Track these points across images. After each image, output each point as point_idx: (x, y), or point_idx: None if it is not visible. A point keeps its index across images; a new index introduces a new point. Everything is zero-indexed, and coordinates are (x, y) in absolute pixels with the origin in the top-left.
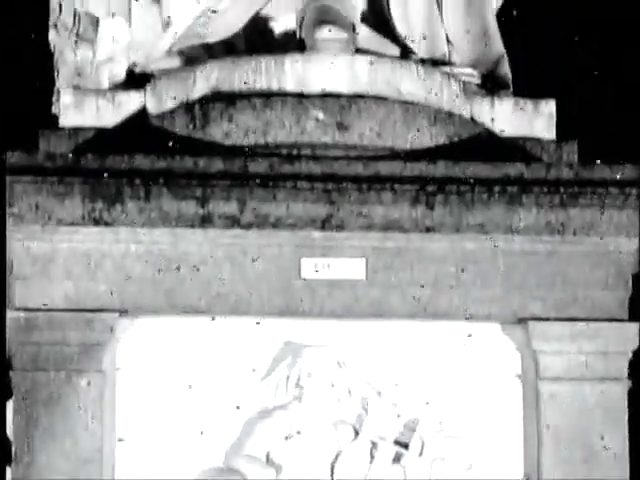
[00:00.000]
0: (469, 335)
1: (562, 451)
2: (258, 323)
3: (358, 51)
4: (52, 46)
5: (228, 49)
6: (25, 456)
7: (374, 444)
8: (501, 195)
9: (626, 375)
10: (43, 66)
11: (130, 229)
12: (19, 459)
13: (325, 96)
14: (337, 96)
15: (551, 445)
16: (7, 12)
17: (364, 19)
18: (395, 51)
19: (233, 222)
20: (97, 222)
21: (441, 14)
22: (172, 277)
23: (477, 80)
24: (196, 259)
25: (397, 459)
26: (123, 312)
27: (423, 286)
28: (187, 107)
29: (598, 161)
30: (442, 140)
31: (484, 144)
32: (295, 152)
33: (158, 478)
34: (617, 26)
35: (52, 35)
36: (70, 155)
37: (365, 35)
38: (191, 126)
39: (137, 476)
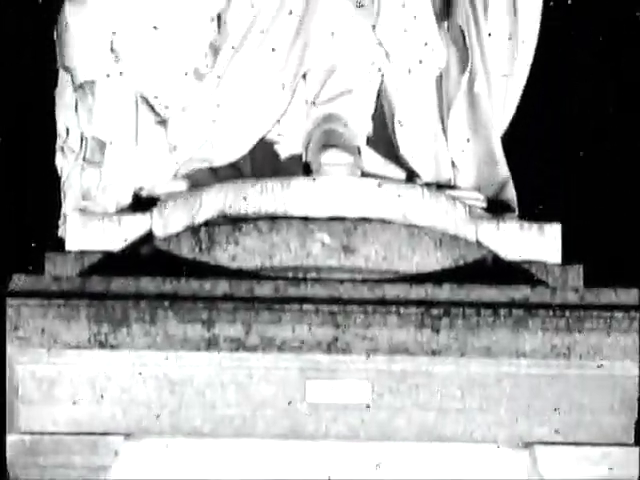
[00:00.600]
0: (474, 458)
1: None
2: None
3: (364, 174)
4: (59, 169)
5: (234, 172)
6: None
7: None
8: (507, 318)
9: None
10: (50, 189)
11: (135, 352)
12: None
13: (331, 219)
14: (342, 219)
15: None
16: (14, 140)
17: (370, 142)
18: (401, 174)
19: (238, 345)
20: (102, 345)
21: (446, 138)
22: (177, 400)
23: (482, 204)
24: (201, 382)
25: None
26: (128, 435)
27: (429, 409)
28: (193, 230)
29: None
30: (448, 263)
31: (489, 267)
32: (300, 275)
33: None
34: (622, 150)
35: (59, 159)
36: (76, 278)
37: (371, 158)
38: (197, 249)
39: None
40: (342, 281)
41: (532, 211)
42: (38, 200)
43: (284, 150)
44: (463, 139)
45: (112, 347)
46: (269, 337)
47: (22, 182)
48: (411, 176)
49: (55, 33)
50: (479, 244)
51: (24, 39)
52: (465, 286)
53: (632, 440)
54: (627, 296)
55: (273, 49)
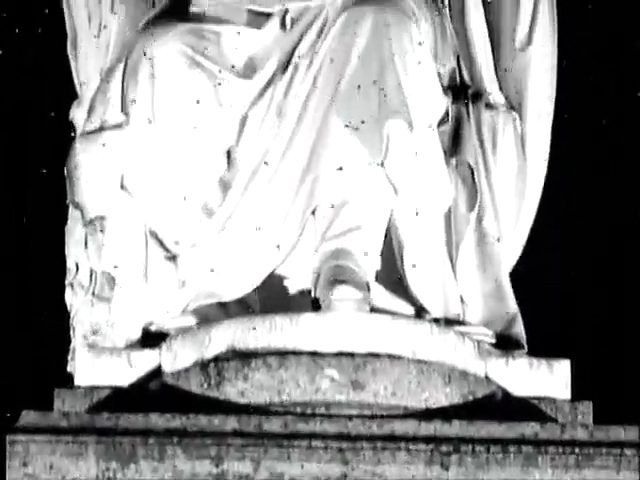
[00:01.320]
0: None
1: None
2: None
3: (373, 310)
4: (68, 305)
5: (243, 306)
6: None
7: None
8: (516, 455)
9: None
10: (59, 325)
11: None
12: None
13: (340, 355)
14: (351, 355)
15: None
16: (24, 276)
17: (378, 278)
18: (410, 310)
19: None
20: None
21: (455, 274)
22: None
23: (491, 339)
24: None
25: None
26: None
27: None
28: (202, 366)
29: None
30: (457, 399)
31: (499, 403)
32: (309, 411)
33: None
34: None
35: (68, 294)
36: (85, 414)
37: (379, 294)
38: (206, 385)
39: None
40: (351, 417)
41: (541, 346)
42: (47, 336)
43: (293, 285)
44: (472, 275)
45: None
46: (278, 473)
47: (32, 318)
48: (420, 311)
49: (65, 170)
50: (488, 380)
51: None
52: (475, 422)
53: None
54: (636, 433)
55: (282, 186)
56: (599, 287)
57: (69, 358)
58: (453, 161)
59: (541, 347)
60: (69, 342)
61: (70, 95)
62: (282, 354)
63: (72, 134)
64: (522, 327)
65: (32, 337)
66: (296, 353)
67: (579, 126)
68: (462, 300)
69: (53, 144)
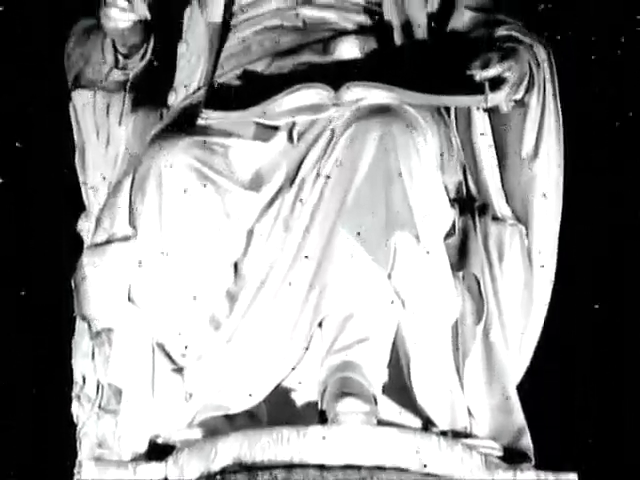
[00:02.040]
0: None
1: None
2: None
3: (380, 423)
4: (75, 417)
5: (250, 418)
6: None
7: None
8: None
9: None
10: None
11: None
12: None
13: (346, 467)
14: (358, 467)
15: None
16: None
17: (385, 390)
18: (417, 423)
19: None
20: None
21: (462, 386)
22: None
23: (499, 452)
24: None
25: None
26: None
27: None
28: (208, 478)
29: None
30: None
31: None
32: None
33: None
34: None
35: (75, 407)
36: None
37: (386, 406)
38: None
39: None
40: None
41: (548, 459)
42: (54, 448)
43: (300, 397)
44: (479, 388)
45: None
46: None
47: (39, 430)
48: (427, 424)
49: (72, 283)
50: None
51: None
52: None
53: None
54: None
55: (289, 299)
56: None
57: (75, 471)
58: (460, 274)
59: (549, 460)
60: (75, 455)
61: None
62: (289, 467)
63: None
64: (529, 440)
65: (39, 448)
66: (303, 466)
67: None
68: (469, 412)
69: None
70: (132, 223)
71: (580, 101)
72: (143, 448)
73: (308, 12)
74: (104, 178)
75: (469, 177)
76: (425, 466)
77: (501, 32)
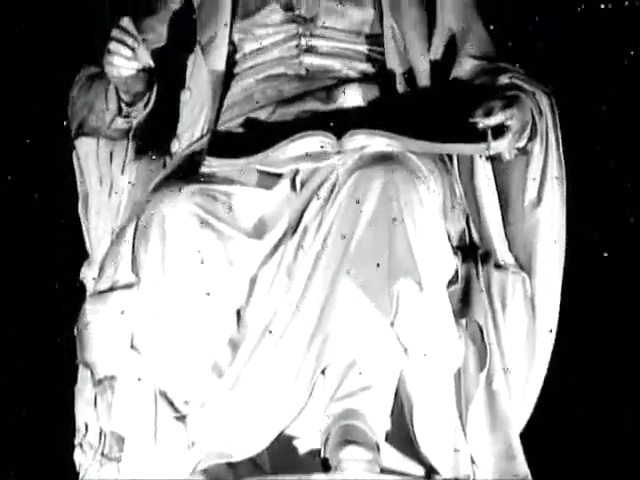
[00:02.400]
0: None
1: None
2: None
3: (382, 471)
4: (77, 465)
5: (253, 466)
6: None
7: None
8: None
9: None
10: None
11: None
12: None
13: None
14: None
15: None
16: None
17: (388, 437)
18: (419, 471)
19: None
20: None
21: (465, 433)
22: None
23: None
24: None
25: None
26: None
27: None
28: None
29: None
30: None
31: None
32: None
33: None
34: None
35: (77, 454)
36: None
37: (389, 454)
38: None
39: None
40: None
41: None
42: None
43: (302, 445)
44: (482, 435)
45: None
46: None
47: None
48: (430, 472)
49: (75, 330)
50: None
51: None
52: None
53: None
54: None
55: (291, 346)
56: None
57: None
58: (463, 321)
59: None
60: None
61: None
62: None
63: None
64: None
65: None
66: None
67: None
68: (472, 460)
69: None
70: (135, 270)
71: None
72: None
73: (311, 60)
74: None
75: (472, 225)
76: None
77: (504, 80)
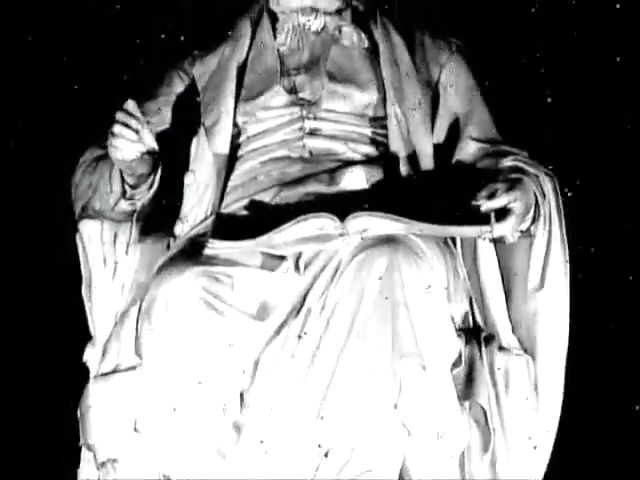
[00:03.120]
0: None
1: None
2: None
3: None
4: None
5: None
6: None
7: None
8: None
9: None
10: None
11: None
12: None
13: None
14: None
15: None
16: None
17: None
18: None
19: None
20: None
21: None
22: None
23: None
24: None
25: None
26: None
27: None
28: None
29: None
30: None
31: None
32: None
33: None
34: None
35: None
36: None
37: None
38: None
39: None
40: None
41: None
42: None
43: None
44: None
45: None
46: None
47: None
48: None
49: (78, 412)
50: None
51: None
52: None
53: None
54: None
55: (294, 428)
56: None
57: None
58: (466, 403)
59: None
60: None
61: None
62: None
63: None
64: None
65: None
66: None
67: None
68: None
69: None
70: (138, 352)
71: None
72: None
73: (315, 143)
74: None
75: (475, 307)
76: None
77: (507, 163)
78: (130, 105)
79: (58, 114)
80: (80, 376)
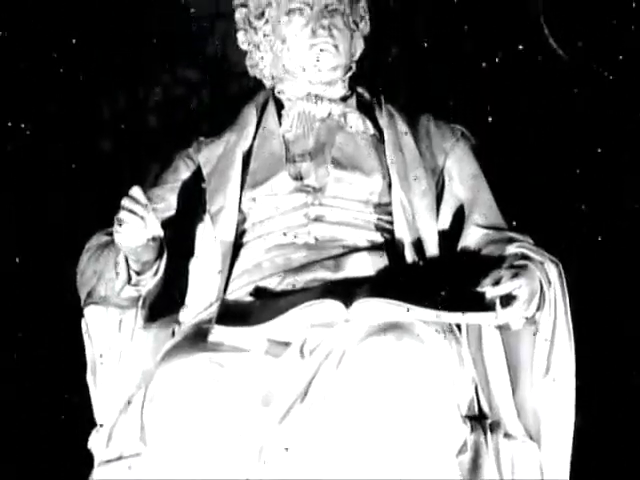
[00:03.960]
0: None
1: None
2: None
3: None
4: None
5: None
6: None
7: None
8: None
9: None
10: None
11: None
12: None
13: None
14: None
15: None
16: None
17: None
18: None
19: None
20: None
21: None
22: None
23: None
24: None
25: None
26: None
27: None
28: None
29: None
30: None
31: None
32: None
33: None
34: None
35: None
36: None
37: None
38: None
39: None
40: None
41: None
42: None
43: None
44: None
45: None
46: None
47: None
48: None
49: None
50: None
51: None
52: None
53: None
54: None
55: None
56: None
57: None
58: None
59: None
60: None
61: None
62: None
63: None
64: None
65: None
66: None
67: None
68: None
69: None
70: (143, 439)
71: None
72: None
73: (320, 229)
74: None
75: (480, 393)
76: None
77: (512, 249)
78: (136, 192)
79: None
80: (85, 463)
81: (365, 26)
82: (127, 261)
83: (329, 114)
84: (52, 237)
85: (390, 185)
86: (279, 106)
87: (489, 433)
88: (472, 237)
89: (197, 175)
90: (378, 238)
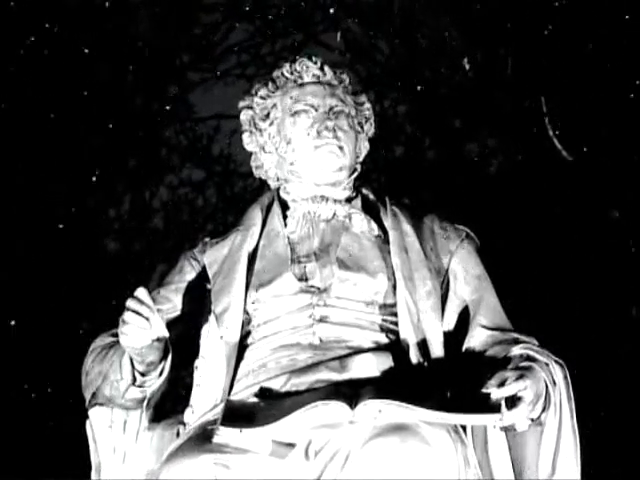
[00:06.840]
0: None
1: None
2: None
3: None
4: None
5: None
6: None
7: None
8: None
9: None
10: None
11: None
12: None
13: None
14: None
15: None
16: None
17: None
18: None
19: None
20: None
21: None
22: None
23: None
24: None
25: None
26: None
27: None
28: None
29: None
30: None
31: None
32: None
33: None
34: None
35: None
36: None
37: None
38: None
39: None
40: None
41: None
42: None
43: None
44: None
45: None
46: None
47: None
48: None
49: None
50: None
51: None
52: None
53: None
54: None
55: None
56: None
57: None
58: None
59: None
60: None
61: None
62: None
63: None
64: None
65: None
66: None
67: None
68: None
69: None
70: None
71: None
72: None
73: (324, 330)
74: None
75: None
76: None
77: (517, 351)
78: (141, 293)
79: None
80: None
81: (370, 128)
82: (132, 362)
83: (334, 215)
84: (57, 335)
85: (395, 286)
86: (284, 207)
87: None
88: (477, 338)
89: (202, 276)
90: (383, 339)
